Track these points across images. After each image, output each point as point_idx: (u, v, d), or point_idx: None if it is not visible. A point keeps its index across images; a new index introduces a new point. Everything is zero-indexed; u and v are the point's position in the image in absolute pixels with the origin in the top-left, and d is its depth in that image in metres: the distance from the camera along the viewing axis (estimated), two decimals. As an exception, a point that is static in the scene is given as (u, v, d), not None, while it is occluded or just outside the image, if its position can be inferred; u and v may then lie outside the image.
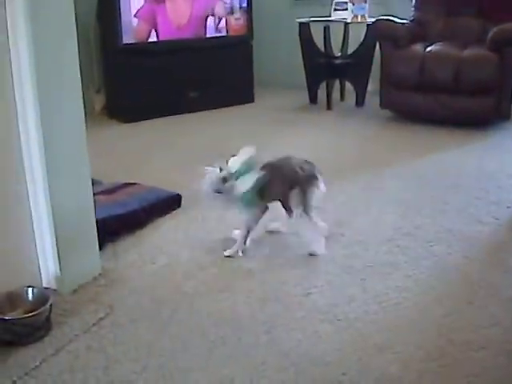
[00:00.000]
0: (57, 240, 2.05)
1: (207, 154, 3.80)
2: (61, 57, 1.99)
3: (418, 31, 4.73)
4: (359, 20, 5.05)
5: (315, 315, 1.96)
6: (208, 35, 5.05)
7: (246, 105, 5.29)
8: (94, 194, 2.22)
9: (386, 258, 2.35)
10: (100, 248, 2.29)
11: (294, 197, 2.36)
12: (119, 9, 4.47)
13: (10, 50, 1.89)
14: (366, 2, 5.01)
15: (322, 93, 5.20)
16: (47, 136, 1.95)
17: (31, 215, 2.05)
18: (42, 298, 1.91)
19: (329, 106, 5.10)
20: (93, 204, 2.19)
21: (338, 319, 1.93)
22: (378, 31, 4.67)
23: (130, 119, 4.68)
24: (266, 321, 1.93)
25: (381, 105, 4.64)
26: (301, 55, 5.26)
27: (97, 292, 2.13)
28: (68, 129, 2.05)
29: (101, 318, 1.96)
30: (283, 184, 2.39)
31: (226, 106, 5.14)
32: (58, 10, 1.95)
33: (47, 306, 1.85)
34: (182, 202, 2.94)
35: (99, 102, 5.00)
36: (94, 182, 2.36)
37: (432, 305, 2.02)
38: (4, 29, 1.87)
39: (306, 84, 5.32)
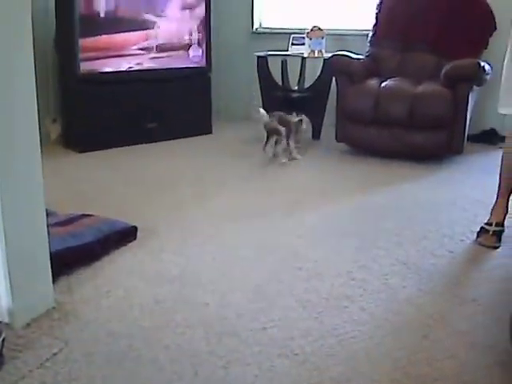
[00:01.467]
0: (9, 272, 2.01)
1: (164, 185, 3.81)
2: (17, 84, 1.97)
3: (374, 67, 4.83)
4: (316, 55, 5.14)
5: (272, 349, 1.95)
6: (167, 66, 5.06)
7: (204, 136, 5.31)
8: (48, 226, 2.19)
9: (343, 290, 2.37)
10: (54, 281, 2.25)
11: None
12: (77, 37, 4.46)
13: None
14: (322, 37, 5.11)
15: (279, 125, 5.25)
16: (1, 165, 1.92)
17: (-17, 248, 2.00)
18: (-6, 332, 1.86)
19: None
20: (47, 236, 2.15)
21: (294, 353, 1.93)
22: (334, 66, 4.75)
23: (86, 149, 4.64)
24: (223, 355, 1.92)
25: (337, 138, 4.70)
26: (259, 88, 5.31)
27: (51, 326, 2.09)
28: (23, 158, 2.02)
29: (55, 353, 1.92)
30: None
31: (184, 136, 5.14)
32: (15, 37, 1.94)
33: (0, 340, 1.81)
34: (138, 233, 2.91)
35: (55, 131, 4.95)
36: (48, 213, 2.33)
37: (388, 338, 2.04)
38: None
39: (263, 116, 5.36)
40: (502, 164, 2.91)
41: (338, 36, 5.42)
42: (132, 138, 4.86)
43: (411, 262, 2.64)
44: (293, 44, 5.32)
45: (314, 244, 2.87)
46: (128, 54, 4.79)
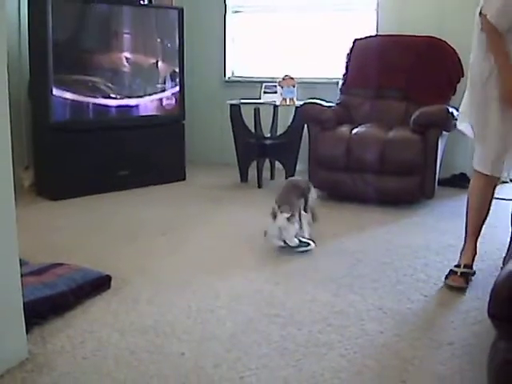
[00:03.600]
0: (-19, 324, 1.97)
1: (137, 233, 3.78)
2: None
3: (345, 114, 4.92)
4: (288, 103, 5.22)
5: (250, 399, 1.93)
6: (140, 114, 5.09)
7: (178, 183, 5.31)
8: (21, 276, 2.15)
9: (320, 337, 2.35)
10: (27, 331, 2.21)
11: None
12: (50, 86, 4.47)
13: None
14: (294, 86, 5.20)
15: (252, 171, 5.29)
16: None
17: (-46, 299, 1.96)
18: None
19: (259, 185, 5.18)
20: (20, 286, 2.12)
21: (273, 402, 1.91)
22: (305, 114, 4.83)
23: (59, 196, 4.60)
24: (200, 406, 1.88)
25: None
26: (232, 135, 5.35)
27: (23, 378, 2.04)
28: (-3, 208, 2.01)
29: (27, 407, 1.87)
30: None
31: (157, 183, 5.14)
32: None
33: (-31, 395, 1.76)
34: (112, 282, 2.87)
35: (28, 178, 4.91)
36: (21, 263, 2.29)
37: (367, 385, 2.03)
38: None
39: (236, 163, 5.40)
40: (467, 205, 2.94)
41: (309, 84, 5.52)
42: (105, 186, 4.84)
43: (387, 306, 2.65)
44: (265, 92, 5.39)
45: (289, 291, 2.86)
46: (100, 103, 4.80)
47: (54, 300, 2.51)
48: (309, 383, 2.02)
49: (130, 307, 2.65)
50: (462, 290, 2.83)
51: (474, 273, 2.95)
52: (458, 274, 2.89)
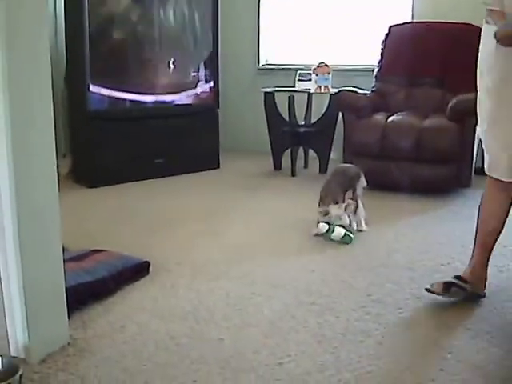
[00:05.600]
0: (26, 308, 2.01)
1: (173, 220, 3.82)
2: (35, 120, 2.00)
3: (380, 102, 4.88)
4: (322, 90, 5.20)
5: (289, 385, 1.95)
6: (175, 102, 5.12)
7: (212, 171, 5.34)
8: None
9: (358, 325, 2.36)
10: (68, 316, 2.25)
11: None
12: (87, 74, 4.53)
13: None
14: (329, 73, 5.17)
15: (286, 160, 5.29)
16: (20, 202, 1.94)
17: (0, 283, 2.01)
18: (11, 367, 1.85)
19: (293, 173, 5.18)
20: (63, 272, 2.16)
21: (312, 388, 1.92)
22: (340, 101, 4.81)
23: (96, 184, 4.67)
24: (240, 391, 1.91)
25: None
26: (266, 123, 5.36)
27: (66, 362, 2.08)
28: (41, 195, 2.05)
29: (71, 390, 1.91)
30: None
31: (192, 171, 5.17)
32: (35, 74, 1.98)
33: (17, 376, 1.80)
34: (150, 268, 2.91)
35: (65, 166, 4.99)
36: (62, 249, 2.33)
37: (405, 373, 2.03)
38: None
39: (270, 151, 5.41)
40: (478, 216, 2.60)
41: (344, 72, 5.49)
42: (140, 174, 4.89)
43: (424, 295, 2.63)
44: (299, 80, 5.38)
45: (325, 279, 2.86)
46: (137, 91, 4.84)
47: (94, 286, 2.55)
48: (346, 370, 2.03)
49: (168, 293, 2.69)
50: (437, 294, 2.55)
51: (484, 295, 2.59)
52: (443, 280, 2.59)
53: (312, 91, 5.25)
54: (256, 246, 3.36)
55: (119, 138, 4.76)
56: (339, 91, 4.82)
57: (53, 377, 1.98)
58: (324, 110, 5.23)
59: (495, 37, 2.32)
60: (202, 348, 2.19)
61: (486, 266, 2.55)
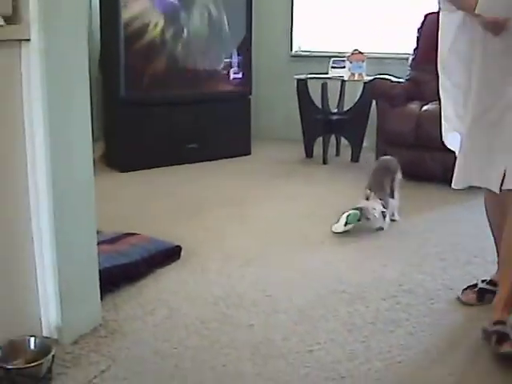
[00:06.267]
0: (59, 289, 2.05)
1: (204, 205, 3.83)
2: (73, 104, 2.03)
3: (414, 90, 4.82)
4: (356, 78, 5.15)
5: (319, 372, 1.95)
6: (207, 88, 5.12)
7: (243, 157, 5.33)
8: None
9: (388, 315, 2.35)
10: (100, 298, 2.28)
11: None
12: (121, 61, 4.55)
13: (22, 101, 1.93)
14: (363, 61, 5.12)
15: (317, 147, 5.27)
16: (56, 185, 1.97)
17: (35, 264, 2.04)
18: (44, 347, 1.89)
19: (324, 161, 5.15)
20: (97, 254, 2.19)
21: (341, 376, 1.92)
22: (374, 89, 4.76)
23: (128, 168, 4.70)
24: (270, 377, 1.92)
25: (376, 161, 4.68)
26: (298, 110, 5.34)
27: (98, 343, 2.11)
28: (77, 179, 2.07)
29: (102, 371, 1.94)
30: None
31: (223, 157, 5.18)
32: (74, 59, 2.00)
33: (50, 356, 1.83)
34: (182, 253, 2.93)
35: (98, 150, 5.02)
36: (96, 232, 2.36)
37: (435, 363, 2.02)
38: (18, 81, 1.90)
39: (302, 138, 5.39)
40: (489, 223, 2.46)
41: (378, 59, 5.42)
42: (172, 159, 4.90)
43: (456, 287, 2.61)
44: (333, 67, 5.33)
45: (356, 268, 2.85)
46: (169, 78, 4.86)
47: (127, 268, 2.58)
48: (376, 359, 2.03)
49: (199, 277, 2.70)
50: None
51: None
52: (476, 288, 2.48)
53: (345, 78, 5.20)
54: (286, 233, 3.36)
55: (152, 123, 4.78)
56: (373, 79, 4.77)
57: (84, 357, 2.01)
58: (357, 98, 5.19)
59: (485, 27, 2.06)
60: (232, 333, 2.21)
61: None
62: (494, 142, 2.16)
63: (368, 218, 3.33)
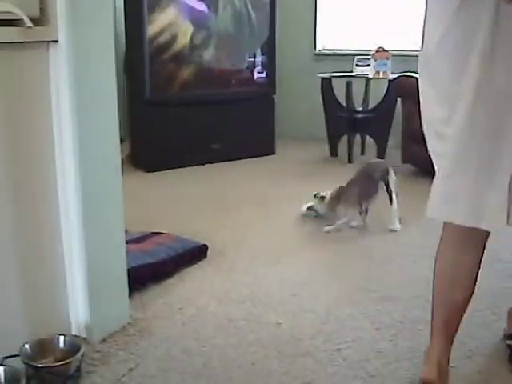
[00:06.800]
0: (89, 288, 2.06)
1: (229, 205, 3.84)
2: (100, 105, 2.04)
3: (440, 88, 4.77)
4: (381, 76, 5.13)
5: (347, 371, 1.94)
6: (231, 88, 5.14)
7: (267, 156, 5.33)
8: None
9: (417, 313, 2.33)
10: (128, 297, 2.29)
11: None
12: (146, 62, 4.58)
13: (51, 102, 1.95)
14: (387, 58, 5.10)
15: (342, 146, 5.25)
16: (85, 185, 1.98)
17: (64, 263, 2.06)
18: (73, 346, 1.91)
19: (349, 160, 5.13)
20: (125, 254, 2.20)
21: (370, 375, 1.92)
22: (399, 87, 4.73)
23: (154, 168, 4.73)
24: (297, 376, 1.91)
25: (402, 159, 4.66)
26: (322, 108, 5.32)
27: (126, 341, 2.13)
28: (105, 179, 2.09)
29: (131, 369, 1.95)
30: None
31: (248, 157, 5.18)
32: (99, 62, 2.02)
33: (79, 354, 1.85)
34: (208, 252, 2.94)
35: (123, 150, 5.06)
36: (123, 231, 2.38)
37: (464, 361, 2.00)
38: (47, 82, 1.92)
39: (326, 137, 5.37)
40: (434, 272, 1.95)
41: (403, 57, 5.38)
42: (197, 159, 4.93)
43: (484, 285, 2.56)
44: (357, 65, 5.32)
45: (383, 266, 2.84)
46: (193, 78, 4.88)
47: (154, 267, 2.60)
48: (405, 357, 2.01)
49: (226, 277, 2.71)
50: None
51: None
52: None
53: (370, 76, 5.19)
54: (312, 231, 3.35)
55: (176, 123, 4.80)
56: (398, 77, 4.74)
57: (113, 356, 2.03)
58: (382, 96, 5.16)
59: None
60: (260, 331, 2.21)
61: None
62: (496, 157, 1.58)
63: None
